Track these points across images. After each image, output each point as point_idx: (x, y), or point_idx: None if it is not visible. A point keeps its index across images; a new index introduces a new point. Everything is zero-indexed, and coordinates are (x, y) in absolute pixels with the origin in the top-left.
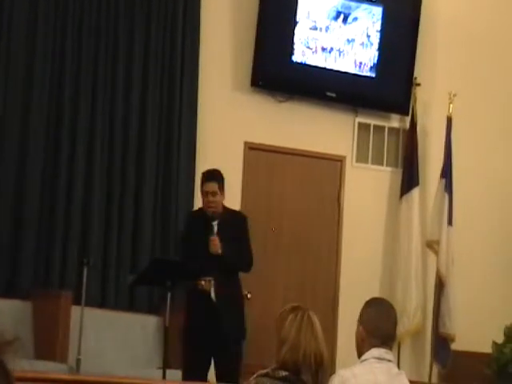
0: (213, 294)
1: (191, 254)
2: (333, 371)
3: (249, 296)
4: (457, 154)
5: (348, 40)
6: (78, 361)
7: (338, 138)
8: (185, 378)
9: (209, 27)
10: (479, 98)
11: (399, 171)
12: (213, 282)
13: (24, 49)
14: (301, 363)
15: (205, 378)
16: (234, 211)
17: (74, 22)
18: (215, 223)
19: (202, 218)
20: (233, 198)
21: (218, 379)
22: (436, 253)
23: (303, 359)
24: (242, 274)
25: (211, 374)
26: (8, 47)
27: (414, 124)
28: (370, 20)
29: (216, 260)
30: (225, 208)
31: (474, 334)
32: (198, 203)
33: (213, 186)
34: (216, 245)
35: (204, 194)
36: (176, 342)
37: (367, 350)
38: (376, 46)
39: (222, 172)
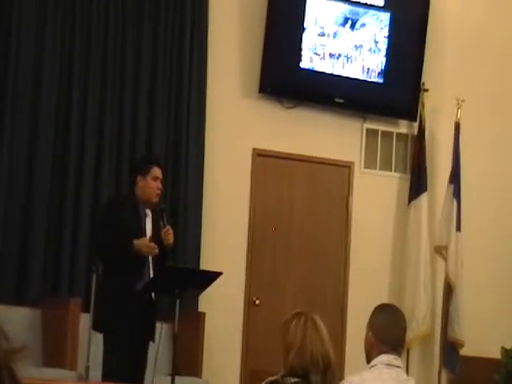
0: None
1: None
2: (341, 377)
3: (257, 302)
4: (465, 159)
5: (356, 46)
6: (87, 368)
7: (346, 144)
8: None
9: (217, 34)
10: (487, 103)
11: (407, 177)
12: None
13: (32, 54)
14: (309, 365)
15: None
16: None
17: (82, 25)
18: (149, 212)
19: (131, 206)
20: (241, 205)
21: None
22: (444, 258)
23: (311, 361)
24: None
25: None
26: (18, 48)
27: (422, 130)
28: (378, 26)
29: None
30: None
31: (482, 340)
32: (207, 210)
33: (161, 173)
34: (171, 234)
35: (154, 179)
36: (185, 349)
37: (376, 356)
38: (384, 51)
39: (231, 178)
